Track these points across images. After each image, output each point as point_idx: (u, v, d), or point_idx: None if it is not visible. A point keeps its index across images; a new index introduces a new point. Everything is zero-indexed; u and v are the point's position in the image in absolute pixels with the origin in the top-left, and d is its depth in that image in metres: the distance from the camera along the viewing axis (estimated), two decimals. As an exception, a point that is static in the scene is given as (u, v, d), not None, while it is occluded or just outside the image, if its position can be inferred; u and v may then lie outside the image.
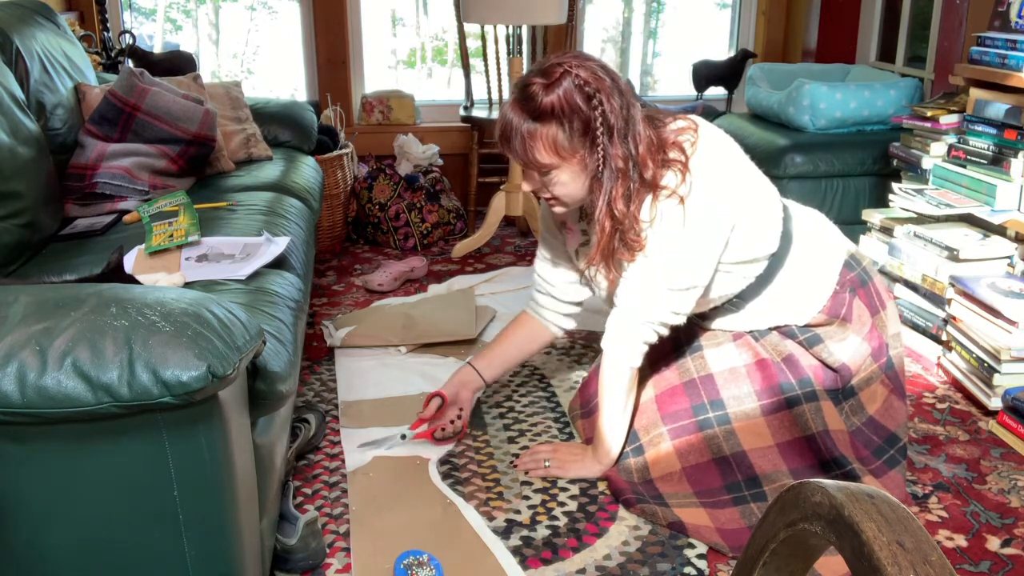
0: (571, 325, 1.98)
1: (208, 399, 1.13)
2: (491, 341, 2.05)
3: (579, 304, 1.95)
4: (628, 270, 1.66)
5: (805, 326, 1.76)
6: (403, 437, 1.97)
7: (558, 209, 1.69)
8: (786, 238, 1.73)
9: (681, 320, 1.69)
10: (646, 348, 1.72)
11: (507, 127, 1.56)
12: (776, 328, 1.79)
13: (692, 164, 1.59)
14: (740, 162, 1.68)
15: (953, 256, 2.30)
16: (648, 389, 1.86)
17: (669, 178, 1.58)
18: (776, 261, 1.72)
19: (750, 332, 1.81)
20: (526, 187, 1.67)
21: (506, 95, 3.57)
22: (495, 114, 3.45)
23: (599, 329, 1.77)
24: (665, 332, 1.71)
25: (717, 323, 1.83)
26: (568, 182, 1.59)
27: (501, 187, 3.38)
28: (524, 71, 3.51)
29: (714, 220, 1.60)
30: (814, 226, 1.81)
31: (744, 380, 1.75)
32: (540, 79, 1.52)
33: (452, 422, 1.97)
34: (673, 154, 1.59)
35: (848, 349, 1.74)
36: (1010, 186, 2.28)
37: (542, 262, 1.93)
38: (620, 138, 1.53)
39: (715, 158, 1.63)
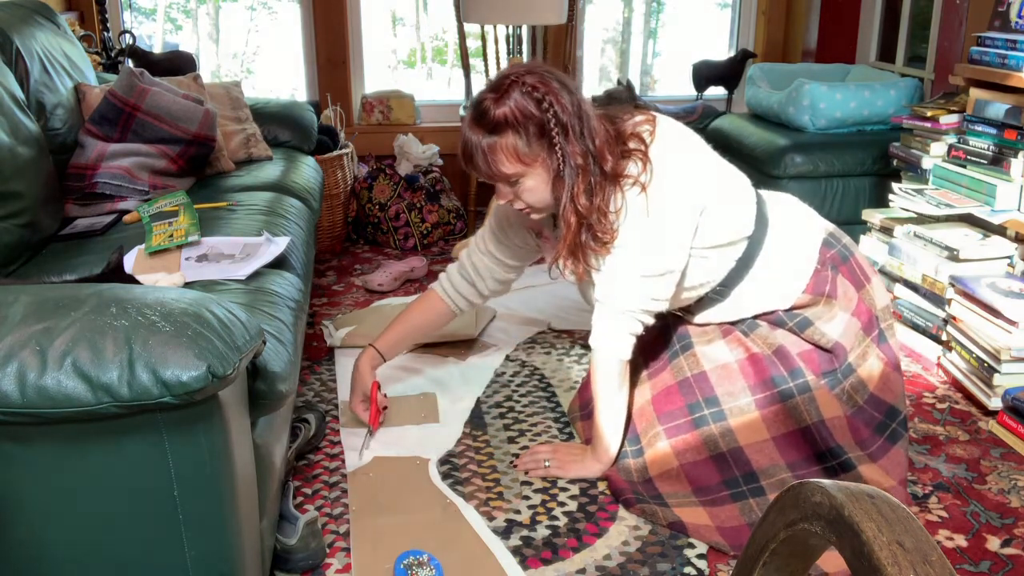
0: (472, 309, 2.12)
1: (208, 399, 1.13)
2: (394, 321, 2.07)
3: (488, 298, 2.05)
4: (603, 264, 1.67)
5: (791, 310, 1.77)
6: (370, 434, 2.00)
7: (534, 216, 1.73)
8: (761, 221, 1.75)
9: (662, 307, 1.71)
10: (633, 339, 1.73)
11: (467, 146, 1.61)
12: (763, 316, 1.79)
13: (651, 152, 1.63)
14: (699, 148, 1.73)
15: (953, 256, 2.30)
16: (645, 391, 1.87)
17: (630, 168, 1.63)
18: (754, 244, 1.74)
19: (739, 324, 1.81)
20: (500, 201, 1.70)
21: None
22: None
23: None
24: (649, 320, 1.72)
25: (704, 315, 1.84)
26: (536, 187, 1.62)
27: (501, 187, 3.38)
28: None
29: (678, 203, 1.63)
30: (789, 208, 1.83)
31: (737, 376, 1.76)
32: (491, 94, 1.58)
33: (385, 396, 2.10)
34: (632, 144, 1.64)
35: (838, 326, 1.75)
36: (1010, 186, 2.28)
37: (481, 255, 1.98)
38: (576, 135, 1.58)
39: (673, 144, 1.67)
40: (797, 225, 1.80)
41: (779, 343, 1.77)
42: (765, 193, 1.84)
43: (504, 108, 1.55)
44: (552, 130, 1.56)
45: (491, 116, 1.56)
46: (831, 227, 1.85)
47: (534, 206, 1.67)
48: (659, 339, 1.90)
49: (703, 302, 1.81)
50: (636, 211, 1.62)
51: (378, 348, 2.04)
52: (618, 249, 1.65)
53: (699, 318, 1.85)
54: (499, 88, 1.57)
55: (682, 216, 1.64)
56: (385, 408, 2.06)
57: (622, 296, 1.68)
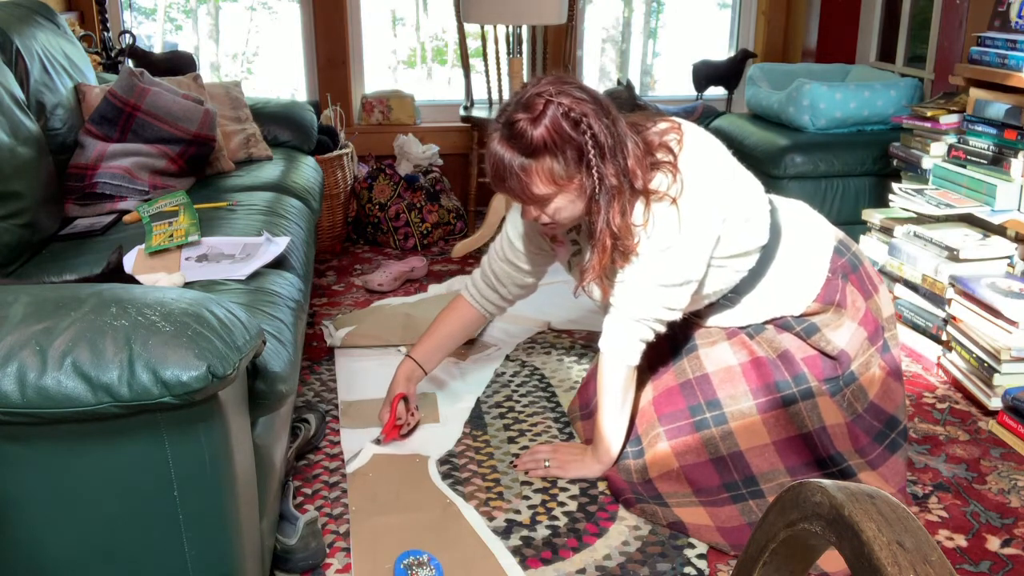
0: (503, 313, 2.09)
1: (208, 399, 1.13)
2: (429, 329, 2.06)
3: (515, 301, 2.05)
4: (623, 271, 1.66)
5: (800, 316, 1.77)
6: (377, 442, 1.98)
7: (557, 231, 1.71)
8: (774, 230, 1.74)
9: (676, 316, 1.70)
10: (643, 346, 1.72)
11: (500, 167, 1.56)
12: (772, 321, 1.79)
13: (681, 163, 1.61)
14: (725, 157, 1.71)
15: (953, 256, 2.30)
16: (647, 392, 1.86)
17: (659, 180, 1.60)
18: (767, 253, 1.73)
19: (746, 328, 1.81)
20: (527, 219, 1.67)
21: (506, 95, 3.57)
22: (495, 114, 3.45)
23: (599, 329, 1.78)
24: (661, 329, 1.71)
25: (714, 319, 1.83)
26: (566, 206, 1.60)
27: (501, 187, 3.37)
28: (524, 71, 3.52)
29: (707, 215, 1.62)
30: (800, 216, 1.82)
31: (740, 379, 1.75)
32: (524, 114, 1.52)
33: (412, 413, 2.03)
34: (660, 155, 1.62)
35: (845, 335, 1.75)
36: (1010, 186, 2.28)
37: (500, 262, 1.96)
38: (611, 156, 1.55)
39: (702, 154, 1.65)
40: (809, 234, 1.79)
41: (784, 347, 1.76)
42: (777, 200, 1.82)
43: (541, 130, 1.51)
44: (589, 153, 1.53)
45: (528, 138, 1.51)
46: (841, 234, 1.84)
47: (561, 222, 1.65)
48: (663, 339, 1.89)
49: (713, 307, 1.81)
50: (666, 224, 1.60)
51: (415, 358, 2.03)
52: (641, 258, 1.63)
53: (708, 322, 1.85)
54: (532, 108, 1.52)
55: (708, 227, 1.62)
56: (401, 423, 1.99)
57: (638, 303, 1.67)
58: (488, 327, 2.62)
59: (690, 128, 1.68)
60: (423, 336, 2.06)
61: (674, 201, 1.59)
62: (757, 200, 1.72)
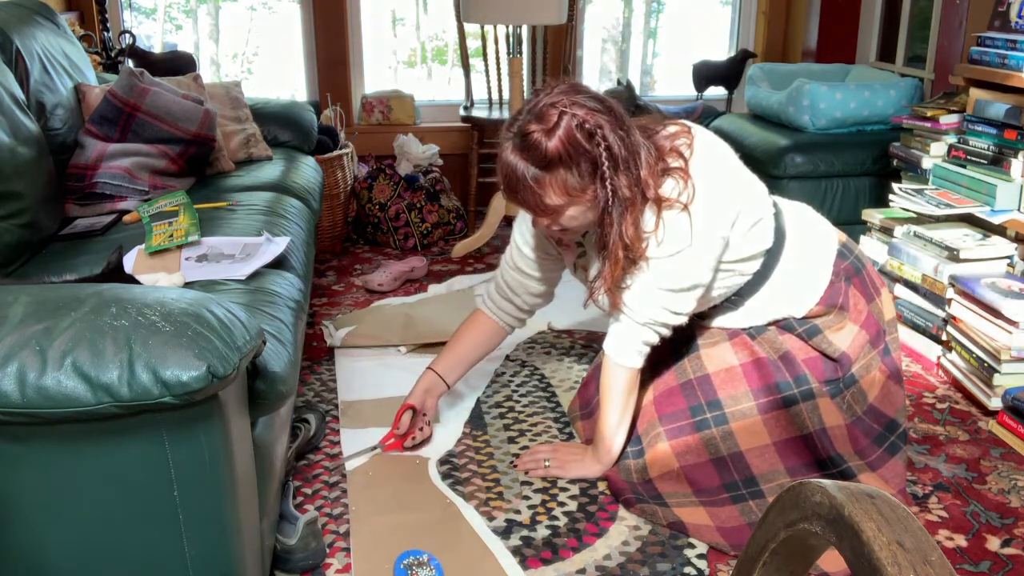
0: (524, 325, 2.05)
1: (208, 399, 1.13)
2: (449, 342, 2.04)
3: (533, 311, 2.02)
4: (631, 276, 1.66)
5: (803, 318, 1.77)
6: (373, 449, 1.96)
7: (567, 238, 1.71)
8: (779, 234, 1.74)
9: (682, 321, 1.70)
10: (648, 349, 1.72)
11: (512, 178, 1.54)
12: (774, 322, 1.79)
13: (691, 168, 1.60)
14: (734, 161, 1.71)
15: (953, 256, 2.30)
16: (647, 392, 1.86)
17: (670, 186, 1.59)
18: (771, 257, 1.73)
19: (748, 329, 1.81)
20: (537, 227, 1.66)
21: (506, 95, 3.57)
22: (495, 114, 3.45)
23: (599, 329, 1.78)
24: (667, 333, 1.71)
25: (717, 321, 1.83)
26: (578, 216, 1.59)
27: (501, 187, 3.37)
28: (524, 71, 3.52)
29: (717, 221, 1.61)
30: (804, 219, 1.82)
31: (741, 380, 1.75)
32: (538, 125, 1.50)
33: (421, 429, 1.97)
34: (671, 160, 1.61)
35: (846, 338, 1.75)
36: (1010, 186, 2.28)
37: (513, 273, 1.93)
38: (625, 167, 1.53)
39: (712, 159, 1.65)
40: (813, 237, 1.79)
41: (785, 348, 1.76)
42: (781, 202, 1.82)
43: (555, 142, 1.48)
44: (604, 165, 1.51)
45: (542, 150, 1.49)
46: (844, 237, 1.84)
47: (572, 229, 1.64)
48: (664, 340, 1.89)
49: (716, 309, 1.81)
50: (676, 231, 1.59)
51: (436, 371, 2.00)
52: (650, 264, 1.62)
53: (712, 323, 1.85)
54: (546, 119, 1.50)
55: (718, 233, 1.62)
56: (401, 433, 1.95)
57: (644, 307, 1.66)
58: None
59: (700, 132, 1.67)
60: (444, 349, 2.03)
61: (685, 207, 1.58)
62: (763, 204, 1.72)
